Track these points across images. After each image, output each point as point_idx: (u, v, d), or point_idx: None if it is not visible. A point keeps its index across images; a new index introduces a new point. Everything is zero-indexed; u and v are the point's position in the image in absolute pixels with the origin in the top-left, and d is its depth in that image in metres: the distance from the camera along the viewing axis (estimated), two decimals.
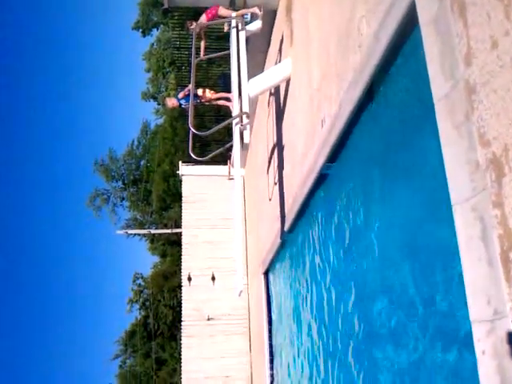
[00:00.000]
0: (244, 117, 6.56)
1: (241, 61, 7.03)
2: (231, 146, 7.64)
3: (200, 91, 9.09)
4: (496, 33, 2.19)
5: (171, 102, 9.32)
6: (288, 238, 7.89)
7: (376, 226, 4.11)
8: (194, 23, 8.39)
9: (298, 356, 7.36)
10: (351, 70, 4.26)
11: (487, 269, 2.22)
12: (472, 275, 2.36)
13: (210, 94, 9.18)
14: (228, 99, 9.06)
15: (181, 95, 9.09)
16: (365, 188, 4.39)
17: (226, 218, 14.06)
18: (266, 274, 10.56)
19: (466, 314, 2.39)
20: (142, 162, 40.14)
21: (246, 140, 6.65)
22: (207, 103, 9.39)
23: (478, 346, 2.30)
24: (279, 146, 8.15)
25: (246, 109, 6.59)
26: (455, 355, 2.77)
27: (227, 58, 8.32)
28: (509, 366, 2.08)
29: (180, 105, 9.26)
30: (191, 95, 7.86)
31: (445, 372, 2.89)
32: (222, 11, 8.19)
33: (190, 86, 8.21)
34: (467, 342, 2.44)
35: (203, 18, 8.27)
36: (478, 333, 2.30)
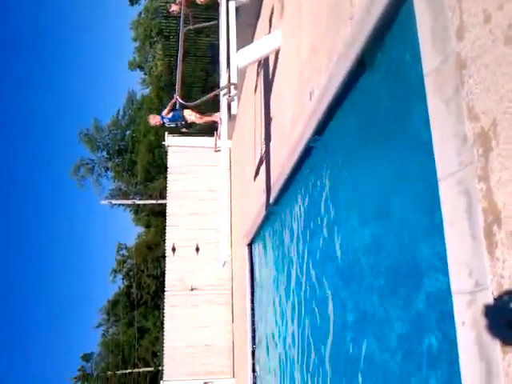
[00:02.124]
0: (232, 88, 6.50)
1: (230, 31, 6.94)
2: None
3: (187, 114, 8.91)
4: (489, 6, 2.18)
5: (154, 120, 9.10)
6: (273, 210, 7.92)
7: (360, 200, 4.14)
8: (173, 6, 8.28)
9: (280, 326, 7.46)
10: (341, 43, 4.23)
11: (470, 242, 2.25)
12: (455, 248, 2.40)
13: (195, 117, 9.02)
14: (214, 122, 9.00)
15: (165, 112, 8.90)
16: (351, 161, 4.41)
17: (212, 189, 14.05)
18: (250, 245, 10.63)
19: None
20: (127, 133, 39.79)
21: (233, 111, 6.61)
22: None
23: (458, 317, 2.34)
24: (267, 117, 8.11)
25: (234, 80, 6.53)
26: None
27: (216, 28, 8.20)
28: (486, 337, 2.13)
29: (163, 123, 9.09)
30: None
31: None
32: None
33: (174, 99, 8.15)
34: None
35: None
36: (459, 304, 2.34)
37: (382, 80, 3.74)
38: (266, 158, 8.09)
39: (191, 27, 8.63)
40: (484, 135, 2.18)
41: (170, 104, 8.83)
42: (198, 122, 9.19)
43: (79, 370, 42.62)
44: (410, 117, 3.18)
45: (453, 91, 2.43)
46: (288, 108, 6.58)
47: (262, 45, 7.40)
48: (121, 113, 39.76)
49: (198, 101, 7.36)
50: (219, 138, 8.81)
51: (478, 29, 2.25)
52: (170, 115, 8.83)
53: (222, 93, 6.68)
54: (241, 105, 10.81)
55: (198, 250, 14.34)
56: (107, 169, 40.27)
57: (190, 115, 8.94)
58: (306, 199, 5.98)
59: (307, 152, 5.74)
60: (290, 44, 6.52)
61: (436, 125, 2.59)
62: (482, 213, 2.17)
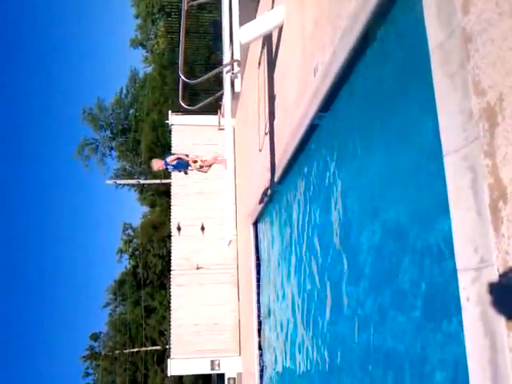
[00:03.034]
0: (235, 65, 6.45)
1: (232, 7, 6.85)
2: (222, 96, 7.56)
3: (192, 163, 8.82)
4: None
5: (157, 166, 8.96)
6: (277, 189, 7.91)
7: (366, 177, 4.13)
8: None
9: (286, 303, 7.51)
10: (345, 17, 4.17)
11: (476, 218, 2.24)
12: (460, 224, 2.39)
13: (200, 165, 8.92)
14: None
15: (169, 160, 8.80)
16: (357, 138, 4.38)
17: (216, 168, 14.02)
18: (256, 224, 10.65)
19: None
20: (130, 112, 39.66)
21: (236, 89, 6.57)
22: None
23: (463, 293, 2.35)
24: (270, 95, 8.05)
25: (237, 56, 6.48)
26: None
27: (218, 3, 8.10)
28: (491, 313, 2.13)
29: (166, 168, 8.98)
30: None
31: None
32: None
33: (180, 155, 8.15)
34: None
35: None
36: (464, 280, 2.34)
37: (386, 55, 3.69)
38: (270, 136, 8.05)
39: (193, 3, 8.53)
40: (490, 110, 2.15)
41: (175, 156, 8.80)
42: (203, 170, 9.12)
43: (87, 349, 43.15)
44: (415, 92, 3.15)
45: (458, 66, 2.40)
46: (292, 85, 6.52)
47: (265, 21, 7.30)
48: (124, 91, 39.62)
49: (202, 78, 7.30)
50: (223, 117, 8.78)
51: (484, 2, 2.21)
52: (175, 163, 8.78)
53: (225, 70, 6.63)
54: (244, 82, 10.71)
55: (203, 229, 14.40)
56: (111, 148, 40.30)
57: (195, 163, 8.88)
58: (311, 177, 5.97)
59: (312, 129, 5.70)
60: (294, 19, 6.43)
61: (441, 100, 2.56)
62: (488, 189, 2.16)
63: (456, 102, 2.40)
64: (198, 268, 14.23)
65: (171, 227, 14.93)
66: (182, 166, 8.73)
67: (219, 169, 8.95)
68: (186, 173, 9.13)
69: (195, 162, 8.81)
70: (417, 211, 3.17)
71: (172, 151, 15.25)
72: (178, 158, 8.69)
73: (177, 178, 14.96)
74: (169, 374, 14.49)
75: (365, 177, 4.16)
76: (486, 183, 2.17)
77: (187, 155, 8.82)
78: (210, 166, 9.17)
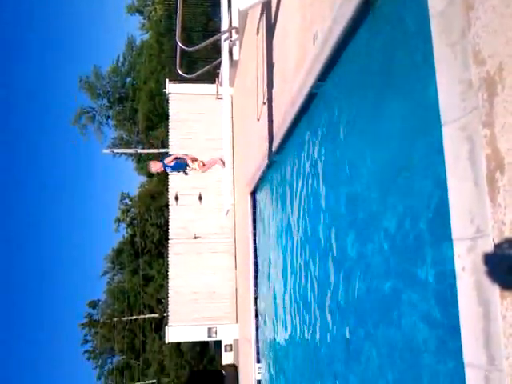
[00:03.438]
0: (233, 32, 6.34)
1: None
2: (219, 64, 7.46)
3: (189, 162, 8.69)
4: None
5: (155, 167, 8.74)
6: (276, 158, 7.89)
7: (364, 147, 4.11)
8: None
9: (282, 272, 7.58)
10: None
11: (473, 188, 2.25)
12: (457, 194, 2.39)
13: (198, 166, 8.77)
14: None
15: (167, 161, 8.63)
16: (356, 107, 4.35)
17: (214, 138, 13.97)
18: (253, 194, 10.67)
19: None
20: (127, 80, 39.29)
21: (235, 57, 6.47)
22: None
23: (458, 262, 2.37)
24: (269, 63, 7.96)
25: (235, 23, 6.36)
26: None
27: None
28: (486, 283, 2.16)
29: (165, 170, 8.82)
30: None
31: None
32: None
33: (178, 155, 8.05)
34: None
35: None
36: (459, 250, 2.36)
37: (387, 23, 3.64)
38: (268, 106, 8.00)
39: None
40: (489, 80, 2.13)
41: (172, 157, 8.68)
42: (201, 170, 9.00)
43: (86, 316, 43.67)
44: (415, 61, 3.12)
45: (459, 34, 2.37)
46: (291, 53, 6.44)
47: None
48: (120, 59, 39.16)
49: (200, 45, 7.20)
50: (221, 85, 8.69)
51: None
52: (173, 163, 8.65)
53: (223, 37, 6.53)
54: (243, 50, 10.57)
55: (200, 198, 14.44)
56: (108, 117, 40.05)
57: (194, 164, 8.78)
58: (310, 147, 5.95)
59: (310, 98, 5.66)
60: None
61: (441, 69, 2.54)
62: (485, 159, 2.15)
63: (455, 72, 2.38)
64: (195, 237, 14.31)
65: (169, 197, 14.96)
66: (181, 166, 8.69)
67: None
68: (185, 173, 9.09)
69: (195, 160, 8.75)
70: (417, 183, 3.18)
71: (169, 118, 15.18)
72: (176, 158, 8.63)
73: (175, 147, 14.90)
74: (166, 341, 14.70)
75: (364, 146, 4.14)
76: (484, 153, 2.16)
77: (186, 154, 8.77)
78: (207, 166, 9.16)
